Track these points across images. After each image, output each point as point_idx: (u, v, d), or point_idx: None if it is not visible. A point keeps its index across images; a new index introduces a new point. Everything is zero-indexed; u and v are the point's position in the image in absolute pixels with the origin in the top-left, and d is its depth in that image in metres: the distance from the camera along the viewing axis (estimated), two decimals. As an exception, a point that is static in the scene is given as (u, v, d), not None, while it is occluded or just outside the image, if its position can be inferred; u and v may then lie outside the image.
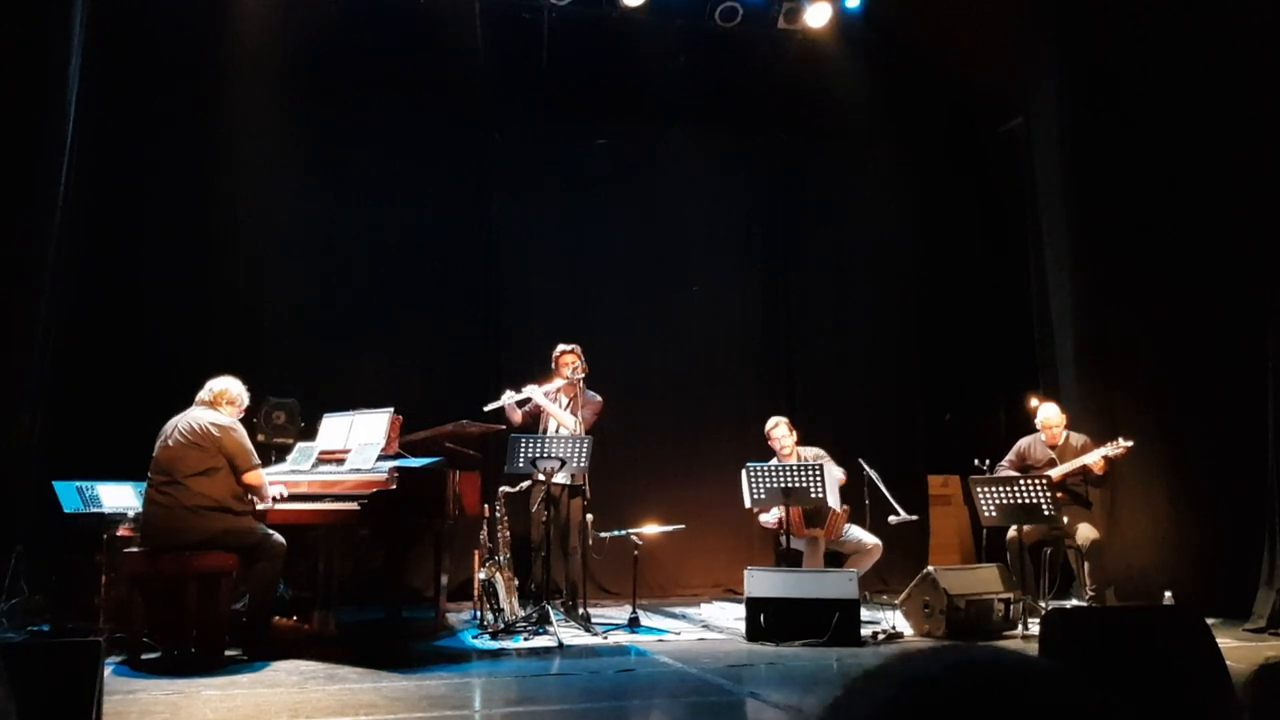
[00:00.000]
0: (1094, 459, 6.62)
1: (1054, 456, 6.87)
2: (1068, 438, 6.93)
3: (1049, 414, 7.00)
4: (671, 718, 4.47)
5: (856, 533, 7.04)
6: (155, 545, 5.28)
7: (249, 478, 5.46)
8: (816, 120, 9.16)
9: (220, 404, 5.54)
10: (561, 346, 6.96)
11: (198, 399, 5.56)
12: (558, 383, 6.89)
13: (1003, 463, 7.01)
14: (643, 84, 8.51)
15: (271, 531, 5.49)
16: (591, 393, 6.92)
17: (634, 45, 8.29)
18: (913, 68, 8.54)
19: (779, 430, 7.22)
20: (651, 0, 8.23)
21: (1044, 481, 6.23)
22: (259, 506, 5.59)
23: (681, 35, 8.38)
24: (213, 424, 5.41)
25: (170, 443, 5.37)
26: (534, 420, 6.93)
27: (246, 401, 5.71)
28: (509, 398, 6.81)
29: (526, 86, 8.51)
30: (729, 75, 8.71)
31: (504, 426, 6.83)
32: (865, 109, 8.81)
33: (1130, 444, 6.56)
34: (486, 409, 6.84)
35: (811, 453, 7.15)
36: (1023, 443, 7.10)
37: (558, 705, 4.50)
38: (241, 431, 5.52)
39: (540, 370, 7.05)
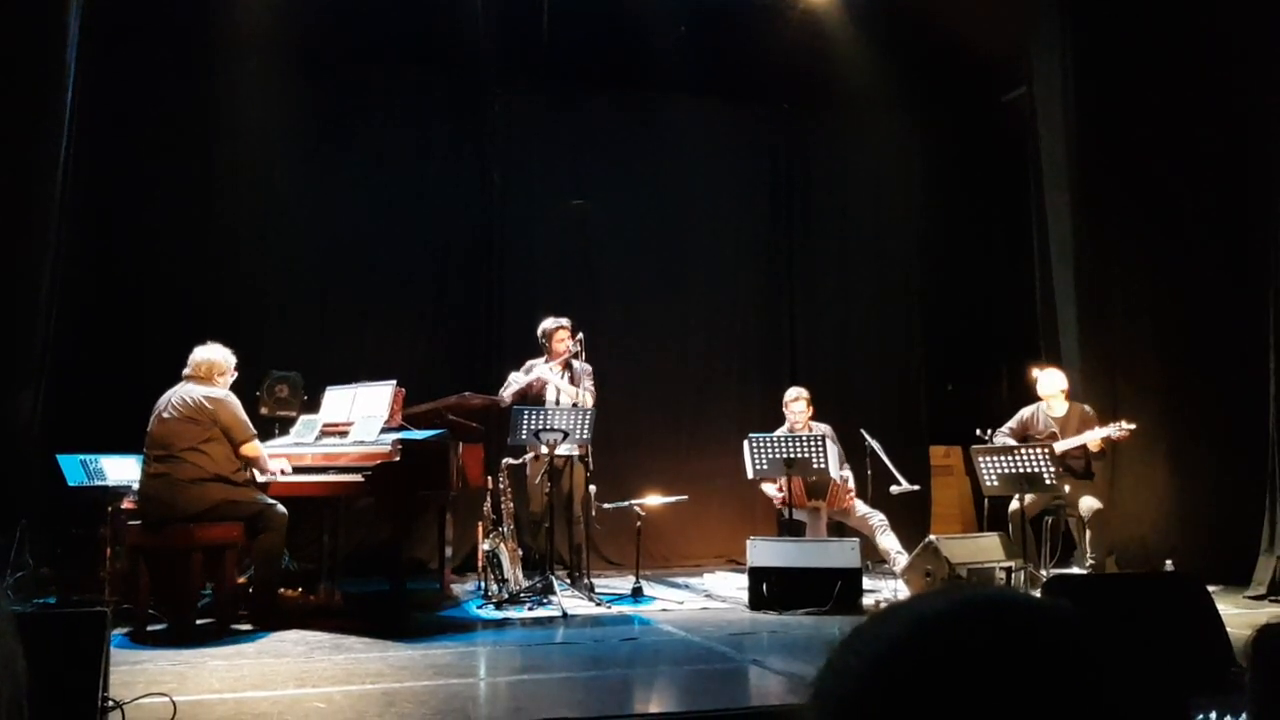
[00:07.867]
0: (1093, 439, 6.57)
1: (1055, 430, 6.79)
2: (1071, 408, 6.89)
3: (1048, 384, 6.93)
4: (675, 685, 4.49)
5: (862, 508, 7.01)
6: (155, 519, 5.28)
7: (246, 449, 5.44)
8: (819, 90, 9.10)
9: (213, 377, 5.49)
10: (554, 321, 6.87)
11: (186, 374, 5.50)
12: (555, 360, 6.84)
13: (1004, 429, 6.97)
14: (645, 54, 8.44)
15: (273, 502, 5.49)
16: (582, 363, 6.87)
17: (636, 15, 8.21)
18: (916, 37, 8.47)
19: (798, 405, 7.20)
20: (653, -31, 8.16)
21: (1046, 450, 6.19)
22: (260, 479, 5.60)
23: (683, 4, 8.30)
24: (206, 397, 5.37)
25: (165, 417, 5.35)
26: (522, 398, 6.78)
27: (234, 363, 5.65)
28: (519, 380, 6.78)
29: (527, 57, 8.44)
30: (731, 45, 8.63)
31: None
32: (868, 78, 8.74)
33: (1133, 427, 6.50)
34: (501, 392, 6.81)
35: (822, 429, 7.12)
36: (1025, 411, 7.04)
37: (562, 673, 4.53)
38: (236, 403, 5.48)
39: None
